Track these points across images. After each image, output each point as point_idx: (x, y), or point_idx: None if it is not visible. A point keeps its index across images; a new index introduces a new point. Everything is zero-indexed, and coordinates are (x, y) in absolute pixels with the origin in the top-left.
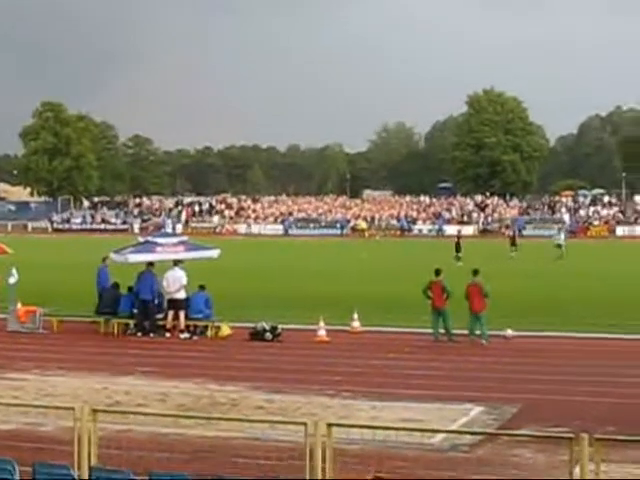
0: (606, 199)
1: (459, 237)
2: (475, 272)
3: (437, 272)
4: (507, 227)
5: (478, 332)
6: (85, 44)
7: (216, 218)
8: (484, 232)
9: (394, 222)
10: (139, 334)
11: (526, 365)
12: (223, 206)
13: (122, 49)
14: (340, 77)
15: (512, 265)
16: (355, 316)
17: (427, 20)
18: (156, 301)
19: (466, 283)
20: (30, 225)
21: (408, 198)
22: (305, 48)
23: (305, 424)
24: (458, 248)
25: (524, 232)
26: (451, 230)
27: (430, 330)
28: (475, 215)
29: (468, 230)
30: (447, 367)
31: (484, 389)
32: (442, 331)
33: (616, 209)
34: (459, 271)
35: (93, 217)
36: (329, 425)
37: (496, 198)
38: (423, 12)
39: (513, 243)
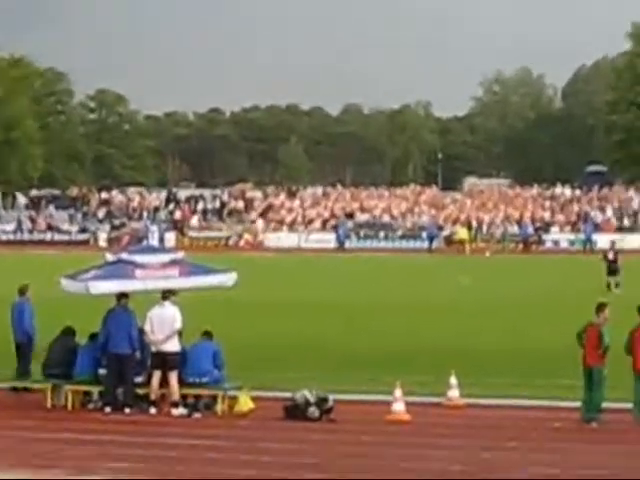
0: None
1: (615, 252)
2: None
3: (598, 309)
4: None
5: None
6: None
7: (229, 223)
8: None
9: (514, 229)
10: (107, 409)
11: None
12: (240, 204)
13: None
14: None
15: None
16: (452, 381)
17: None
18: (136, 356)
19: (631, 327)
20: None
21: (536, 190)
22: None
23: None
24: (613, 269)
25: None
26: (606, 241)
27: (578, 404)
28: None
29: (632, 241)
30: (597, 462)
31: None
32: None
33: None
34: (616, 304)
35: (34, 221)
36: None
37: None
38: None
39: (611, 270)
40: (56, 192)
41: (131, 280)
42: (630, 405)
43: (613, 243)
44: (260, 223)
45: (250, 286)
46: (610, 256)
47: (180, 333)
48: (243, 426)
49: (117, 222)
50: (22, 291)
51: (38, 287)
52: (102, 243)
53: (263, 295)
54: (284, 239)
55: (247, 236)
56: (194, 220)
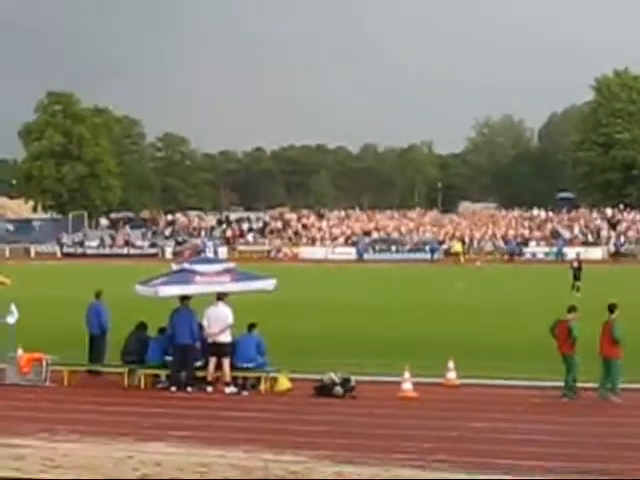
0: None
1: (579, 262)
2: (611, 308)
3: (570, 309)
4: None
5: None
6: (102, 18)
7: (271, 239)
8: (616, 255)
9: (500, 243)
10: (173, 388)
11: None
12: (279, 224)
13: (150, 20)
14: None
15: None
16: (451, 365)
17: None
18: (196, 346)
19: (602, 321)
20: (33, 249)
21: (517, 212)
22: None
23: None
24: (577, 275)
25: None
26: (573, 253)
27: (554, 384)
28: (604, 234)
29: (595, 253)
30: (571, 431)
31: (620, 460)
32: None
33: None
34: (579, 305)
35: (113, 238)
36: None
37: (632, 212)
38: None
39: (576, 276)
40: (131, 215)
41: (192, 285)
42: (596, 384)
43: (578, 254)
44: (294, 239)
45: (287, 290)
46: (575, 264)
47: (231, 327)
48: (282, 402)
49: (180, 239)
50: (97, 295)
51: (117, 291)
52: (168, 256)
53: (298, 297)
54: (315, 252)
55: (285, 250)
56: (242, 237)
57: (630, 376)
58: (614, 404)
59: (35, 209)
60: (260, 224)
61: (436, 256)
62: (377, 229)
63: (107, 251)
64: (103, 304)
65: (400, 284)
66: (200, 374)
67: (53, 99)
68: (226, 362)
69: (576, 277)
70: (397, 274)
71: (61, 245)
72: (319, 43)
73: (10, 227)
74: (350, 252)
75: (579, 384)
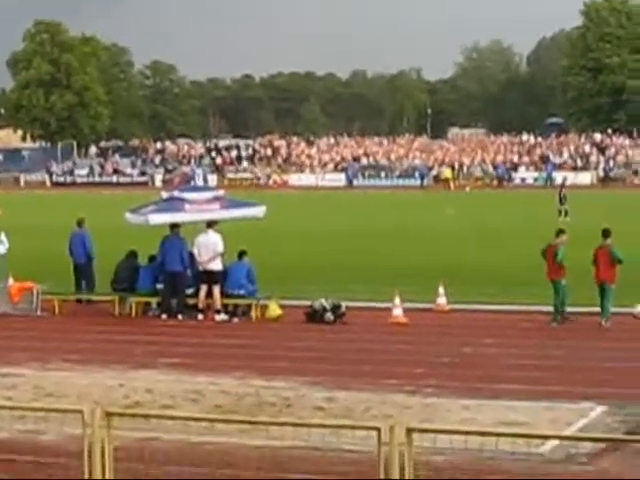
0: None
1: (563, 186)
2: (605, 233)
3: (558, 233)
4: (636, 173)
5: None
6: None
7: (260, 167)
8: (605, 180)
9: (489, 169)
10: (164, 316)
11: None
12: (269, 151)
13: None
14: None
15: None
16: (440, 291)
17: None
18: (187, 273)
19: (595, 246)
20: (23, 178)
21: (507, 138)
22: None
23: (378, 429)
24: (563, 200)
25: None
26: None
27: (544, 308)
28: (593, 159)
29: (584, 178)
30: (560, 355)
31: (607, 383)
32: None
33: None
34: (567, 229)
35: (103, 167)
36: (409, 430)
37: (621, 136)
38: None
39: (561, 200)
40: (120, 143)
41: (181, 213)
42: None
43: (564, 179)
44: (283, 167)
45: (277, 217)
46: (560, 190)
47: (222, 255)
48: (273, 328)
49: (170, 167)
50: (79, 223)
51: (107, 220)
52: (158, 184)
53: (288, 224)
54: (304, 179)
55: (275, 177)
56: (231, 165)
57: (620, 300)
58: (604, 328)
59: (24, 138)
60: (249, 151)
61: (425, 182)
62: (366, 155)
63: (97, 180)
64: (86, 232)
65: (390, 210)
66: (191, 301)
67: (41, 28)
68: (217, 289)
69: (562, 202)
70: (387, 200)
71: (50, 174)
72: None
73: None
74: (340, 178)
75: (569, 308)
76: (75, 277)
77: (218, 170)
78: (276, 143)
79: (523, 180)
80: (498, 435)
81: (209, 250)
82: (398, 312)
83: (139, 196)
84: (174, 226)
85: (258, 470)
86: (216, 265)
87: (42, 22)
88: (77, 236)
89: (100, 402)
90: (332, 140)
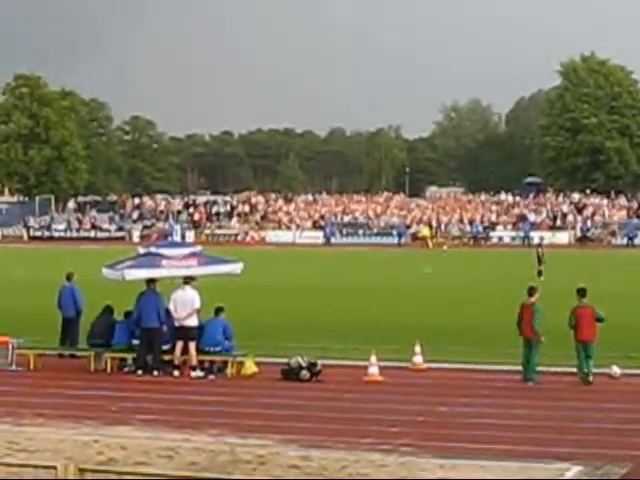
0: None
1: (540, 246)
2: (582, 292)
3: (530, 292)
4: (613, 234)
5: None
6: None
7: (238, 223)
8: (582, 240)
9: (467, 228)
10: (139, 372)
11: (638, 412)
12: (247, 207)
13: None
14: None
15: (619, 285)
16: (417, 349)
17: None
18: (163, 329)
19: (573, 306)
20: (0, 232)
21: (484, 197)
22: (355, 10)
23: None
24: (541, 259)
25: (637, 241)
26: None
27: (516, 368)
28: (571, 218)
29: (562, 238)
30: (535, 415)
31: (583, 443)
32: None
33: None
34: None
35: (80, 222)
36: None
37: (598, 196)
38: None
39: (539, 260)
40: (98, 198)
41: (158, 268)
42: (560, 369)
43: (541, 239)
44: (261, 223)
45: (254, 273)
46: (539, 249)
47: (198, 311)
48: (248, 385)
49: (147, 222)
50: (69, 277)
51: (84, 274)
52: (135, 239)
53: (265, 280)
54: (282, 236)
55: (252, 234)
56: (209, 221)
57: (596, 360)
58: (580, 388)
59: (2, 192)
60: (227, 208)
61: (403, 240)
62: (345, 213)
63: (74, 234)
64: (76, 286)
65: (367, 268)
66: (167, 358)
67: (20, 82)
68: (192, 346)
69: (540, 262)
70: (364, 258)
71: (28, 228)
72: (286, 28)
73: None
74: (317, 236)
75: (542, 368)
76: (62, 331)
77: (196, 226)
78: (254, 200)
79: (500, 239)
80: None
81: (186, 306)
82: (374, 370)
83: (116, 251)
84: (150, 281)
85: None
86: (192, 321)
87: (22, 76)
88: (67, 290)
89: (74, 458)
90: (310, 197)
